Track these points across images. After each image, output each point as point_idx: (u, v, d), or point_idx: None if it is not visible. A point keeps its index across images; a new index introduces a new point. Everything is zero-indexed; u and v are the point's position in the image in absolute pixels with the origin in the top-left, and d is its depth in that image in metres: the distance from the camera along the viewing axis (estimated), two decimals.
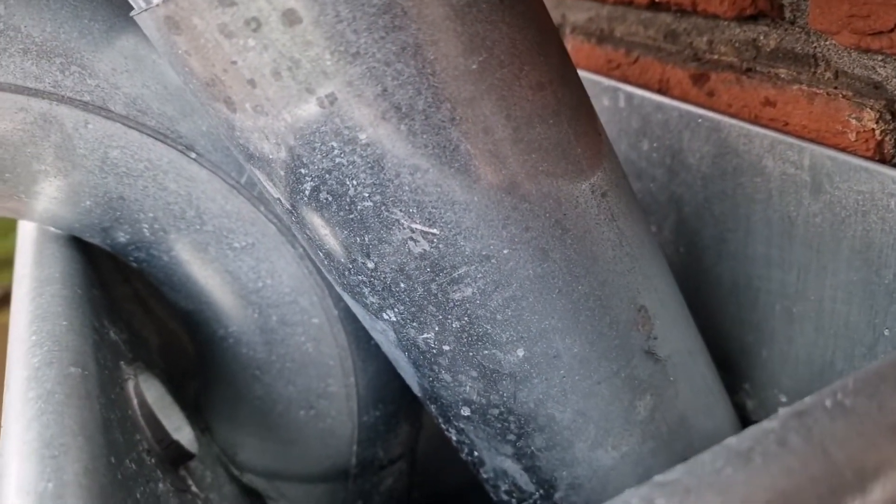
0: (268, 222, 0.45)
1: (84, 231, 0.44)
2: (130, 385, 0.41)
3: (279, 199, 0.37)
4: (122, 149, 0.40)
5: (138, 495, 0.33)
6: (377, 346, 0.51)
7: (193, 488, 0.44)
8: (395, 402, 0.53)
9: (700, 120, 0.49)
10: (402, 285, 0.37)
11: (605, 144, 0.40)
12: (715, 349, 0.51)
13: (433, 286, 0.36)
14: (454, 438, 0.45)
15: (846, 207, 0.41)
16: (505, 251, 0.36)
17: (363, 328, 0.50)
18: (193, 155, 0.42)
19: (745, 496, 0.24)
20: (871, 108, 0.40)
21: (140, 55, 0.40)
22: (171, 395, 0.49)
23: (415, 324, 0.38)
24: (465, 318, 0.37)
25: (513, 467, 0.43)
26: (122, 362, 0.42)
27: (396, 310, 0.38)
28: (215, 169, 0.42)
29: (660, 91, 0.54)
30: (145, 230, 0.43)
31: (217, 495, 0.48)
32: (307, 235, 0.38)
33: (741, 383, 0.53)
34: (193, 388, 0.59)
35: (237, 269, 0.45)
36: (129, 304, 0.59)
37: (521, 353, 0.38)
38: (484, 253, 0.35)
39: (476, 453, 0.44)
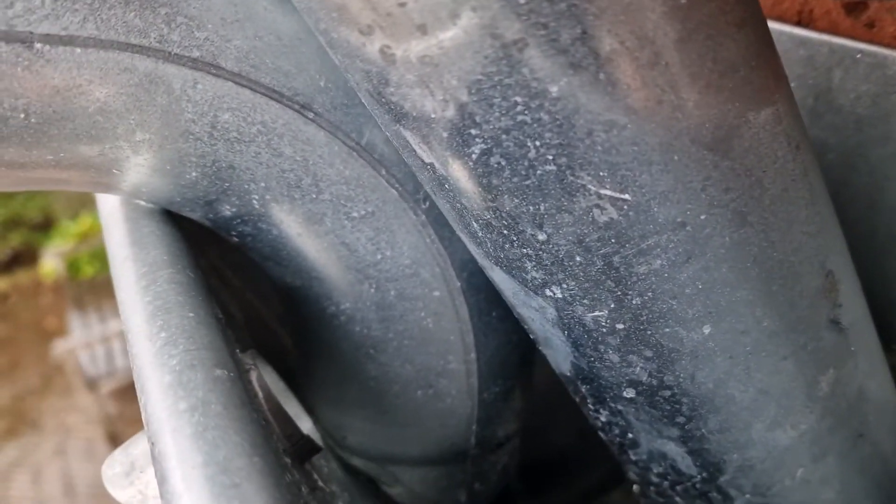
0: (389, 188, 0.40)
1: (185, 205, 0.39)
2: (254, 377, 0.37)
3: (431, 164, 0.32)
4: (234, 111, 0.35)
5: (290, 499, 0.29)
6: (499, 319, 0.46)
7: (320, 483, 0.41)
8: (513, 377, 0.49)
9: (859, 55, 0.43)
10: (577, 259, 0.32)
11: (789, 89, 0.34)
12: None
13: (616, 259, 0.31)
14: (604, 420, 0.41)
15: None
16: (702, 217, 0.31)
17: (486, 301, 0.45)
18: (311, 115, 0.37)
19: None
20: None
21: (250, 2, 0.35)
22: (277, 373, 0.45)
23: (586, 301, 0.33)
24: (649, 294, 0.32)
25: (675, 450, 0.39)
26: (238, 352, 0.38)
27: (565, 286, 0.33)
28: (334, 130, 0.37)
29: (799, 23, 0.48)
30: (255, 202, 0.38)
31: (338, 486, 0.44)
32: (462, 205, 0.33)
33: (890, 343, 0.48)
34: (282, 365, 0.55)
35: (354, 240, 0.41)
36: (211, 278, 0.54)
37: (706, 329, 0.34)
38: (679, 220, 0.30)
39: (630, 435, 0.40)
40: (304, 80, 0.36)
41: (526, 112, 0.28)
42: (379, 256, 0.42)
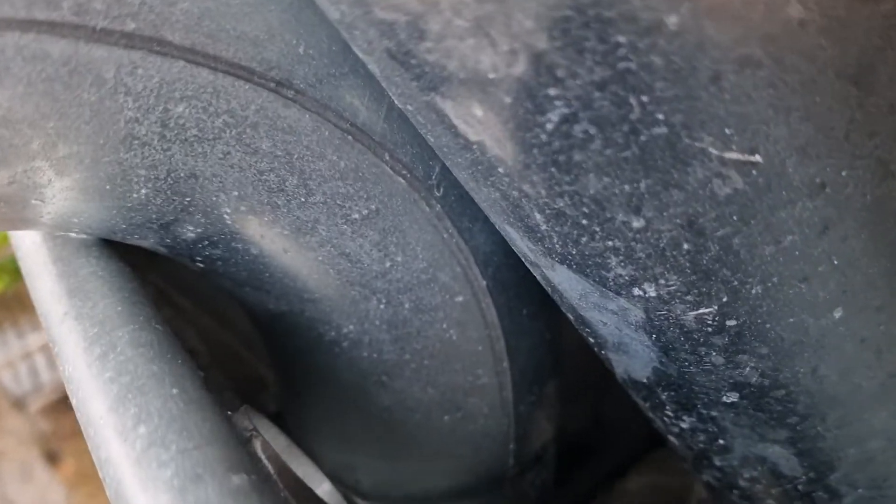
0: (395, 176, 0.31)
1: (132, 232, 0.30)
2: (259, 447, 0.28)
3: (480, 142, 0.23)
4: (190, 100, 0.26)
5: None
6: (530, 317, 0.39)
7: None
8: (550, 380, 0.42)
9: None
10: (685, 247, 0.24)
11: None
12: None
13: (736, 241, 0.24)
14: (684, 427, 0.34)
15: None
16: (843, 173, 0.23)
17: (516, 296, 0.37)
18: (291, 93, 0.28)
19: None
20: None
21: None
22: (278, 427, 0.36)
23: (689, 297, 0.26)
24: (774, 279, 0.25)
25: (780, 453, 0.33)
26: (229, 414, 0.29)
27: (662, 281, 0.26)
28: (322, 110, 0.29)
29: None
30: (226, 216, 0.29)
31: None
32: (520, 193, 0.24)
33: None
34: (266, 398, 0.46)
35: (357, 248, 0.32)
36: (162, 307, 0.45)
37: (838, 313, 0.27)
38: (818, 180, 0.23)
39: (721, 442, 0.33)
40: (277, 47, 0.27)
41: (632, 56, 0.20)
42: (388, 264, 0.33)
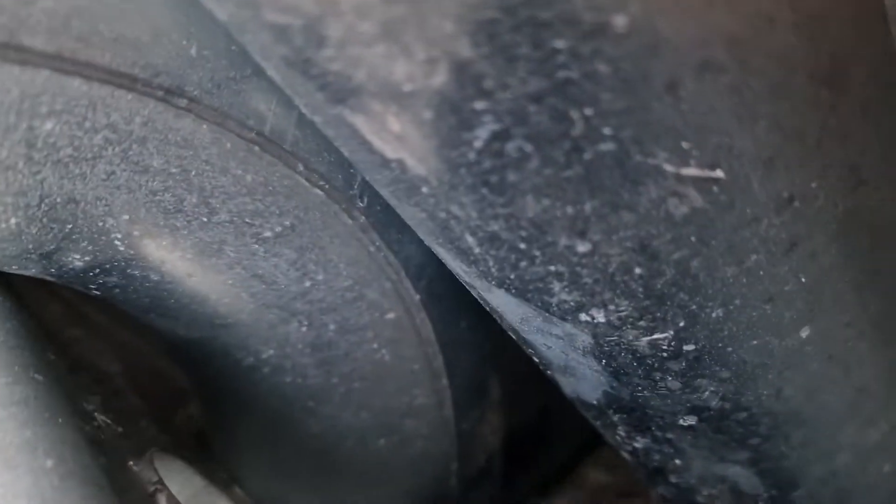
0: (311, 187, 0.28)
1: (7, 263, 0.26)
2: (162, 500, 0.25)
3: (399, 160, 0.20)
4: (60, 115, 0.22)
5: None
6: (469, 329, 0.36)
7: None
8: (492, 389, 0.39)
9: None
10: (636, 271, 0.21)
11: None
12: None
13: (694, 263, 0.21)
14: (638, 447, 0.32)
15: None
16: (813, 184, 0.21)
17: (452, 308, 0.35)
18: (184, 102, 0.24)
19: None
20: None
21: None
22: (189, 466, 0.33)
23: (642, 323, 0.23)
24: (736, 301, 0.23)
25: (740, 472, 0.31)
26: (130, 463, 0.26)
27: (612, 307, 0.23)
28: (221, 119, 0.25)
29: None
30: (118, 243, 0.26)
31: None
32: (449, 215, 0.21)
33: None
34: (188, 421, 0.43)
35: (271, 269, 0.29)
36: (68, 327, 0.41)
37: (804, 333, 0.24)
38: (785, 195, 0.21)
39: (678, 461, 0.31)
40: (164, 50, 0.23)
41: (572, 64, 0.16)
42: (308, 284, 0.30)
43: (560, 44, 0.16)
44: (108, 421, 0.29)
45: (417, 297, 0.33)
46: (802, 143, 0.20)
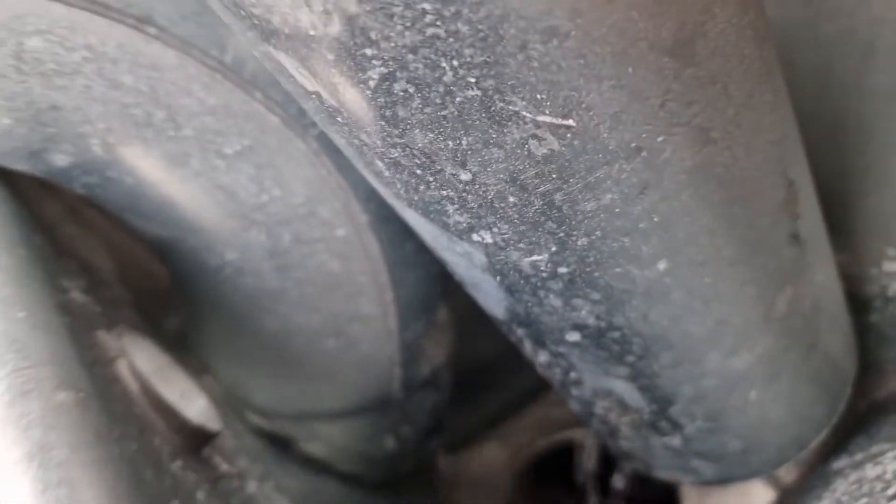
0: (268, 113, 0.32)
1: (3, 159, 0.30)
2: (123, 366, 0.30)
3: (316, 93, 0.24)
4: (45, 34, 0.26)
5: None
6: (415, 252, 0.40)
7: (223, 467, 0.35)
8: (437, 308, 0.44)
9: None
10: (511, 199, 0.26)
11: None
12: None
13: (558, 197, 0.26)
14: (543, 360, 0.36)
15: None
16: (660, 139, 0.25)
17: (398, 232, 0.39)
18: (153, 30, 0.28)
19: None
20: None
21: None
22: (157, 343, 0.38)
23: (522, 245, 0.28)
24: (597, 233, 0.27)
25: (623, 387, 0.35)
26: (100, 331, 0.31)
27: (496, 229, 0.27)
28: (187, 47, 0.29)
29: None
30: (95, 147, 0.30)
31: (247, 459, 0.39)
32: (361, 141, 0.26)
33: (834, 236, 0.45)
34: (172, 319, 0.48)
35: (232, 182, 0.33)
36: (67, 225, 0.46)
37: (662, 266, 0.29)
38: (633, 145, 0.25)
39: (573, 374, 0.36)
40: None
41: (438, 23, 0.21)
42: (265, 198, 0.34)
43: (427, 6, 0.20)
44: (88, 300, 0.34)
45: (365, 217, 0.37)
46: (646, 104, 0.24)
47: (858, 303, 0.45)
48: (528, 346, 0.36)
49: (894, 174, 0.41)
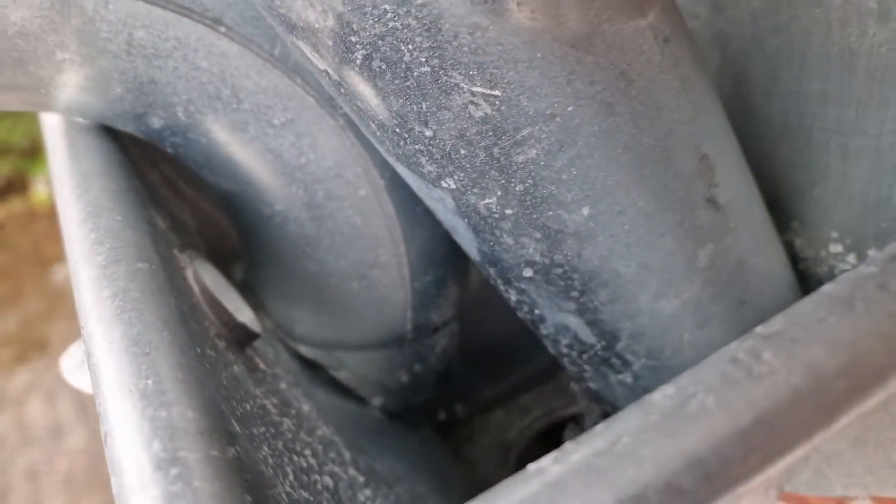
0: (306, 95, 0.43)
1: (116, 119, 0.42)
2: (189, 273, 0.41)
3: (326, 70, 0.35)
4: (148, 28, 0.38)
5: (224, 380, 0.33)
6: (424, 214, 0.50)
7: (262, 366, 0.45)
8: (444, 267, 0.53)
9: None
10: (462, 152, 0.35)
11: None
12: (764, 190, 0.50)
13: (495, 150, 0.35)
14: (514, 299, 0.45)
15: None
16: (570, 108, 0.34)
17: (410, 197, 0.49)
18: (223, 29, 0.39)
19: (850, 343, 0.23)
20: None
21: None
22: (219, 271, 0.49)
23: (476, 190, 0.37)
24: (529, 181, 0.36)
25: (575, 322, 0.44)
26: (174, 251, 0.42)
27: (456, 177, 0.37)
28: (247, 43, 0.40)
29: None
30: (180, 114, 0.42)
31: (282, 369, 0.49)
32: (358, 107, 0.36)
33: (789, 222, 0.52)
34: (239, 268, 0.59)
35: (278, 146, 0.44)
36: (163, 189, 0.58)
37: (585, 211, 0.37)
38: (548, 112, 0.34)
39: (537, 311, 0.45)
40: None
41: (396, 18, 0.31)
42: (303, 160, 0.45)
43: (387, 6, 0.30)
44: (168, 229, 0.45)
45: (382, 182, 0.48)
46: (554, 81, 0.33)
47: (813, 282, 0.52)
48: (501, 286, 0.45)
49: (831, 168, 0.48)
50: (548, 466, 0.22)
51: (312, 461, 0.40)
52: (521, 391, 0.75)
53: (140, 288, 0.31)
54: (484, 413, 0.74)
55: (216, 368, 0.33)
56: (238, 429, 0.29)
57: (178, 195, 0.61)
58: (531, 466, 0.22)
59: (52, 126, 0.46)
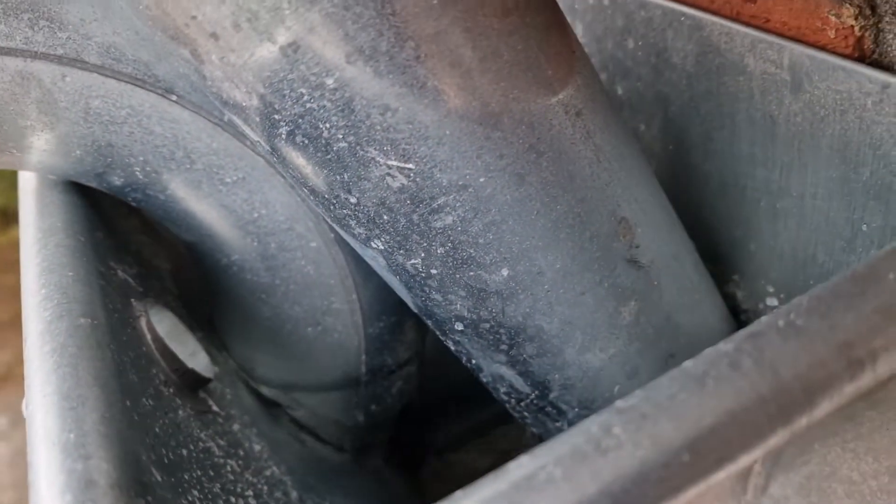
0: (255, 156, 0.46)
1: (80, 177, 0.45)
2: (142, 322, 0.44)
3: (258, 141, 0.38)
4: (103, 98, 0.41)
5: (157, 429, 0.36)
6: None
7: (214, 408, 0.48)
8: (397, 313, 0.56)
9: (683, 18, 0.48)
10: (385, 217, 0.38)
11: (579, 61, 0.40)
12: (705, 244, 0.52)
13: (415, 217, 0.37)
14: (452, 348, 0.48)
15: (825, 106, 0.41)
16: (481, 179, 0.36)
17: None
18: (174, 97, 0.42)
19: (696, 419, 0.25)
20: (850, 4, 0.39)
21: (107, 2, 0.40)
22: (185, 321, 0.52)
23: (402, 251, 0.40)
24: (449, 245, 0.38)
25: (508, 373, 0.46)
26: (132, 300, 0.45)
27: (383, 239, 0.39)
28: (197, 109, 0.43)
29: None
30: (138, 173, 0.45)
31: (238, 410, 0.51)
32: (290, 174, 0.39)
33: (731, 275, 0.54)
34: (207, 309, 0.62)
35: (231, 202, 0.47)
36: (137, 235, 0.61)
37: (505, 272, 0.40)
38: (460, 183, 0.36)
39: (474, 361, 0.47)
40: (164, 67, 0.42)
41: (311, 101, 0.33)
42: (255, 214, 0.48)
43: (303, 90, 0.33)
44: (129, 278, 0.48)
45: (332, 235, 0.50)
46: (465, 155, 0.35)
47: None
48: (440, 335, 0.47)
49: (763, 226, 0.50)
50: None
51: (253, 502, 0.42)
52: (490, 428, 0.77)
53: (78, 344, 0.34)
54: (454, 450, 0.76)
55: (151, 417, 0.36)
56: (160, 478, 0.32)
57: (156, 240, 0.64)
58: None
59: (25, 181, 0.49)
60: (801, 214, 0.46)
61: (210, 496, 0.37)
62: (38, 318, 0.36)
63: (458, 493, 0.25)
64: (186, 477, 0.35)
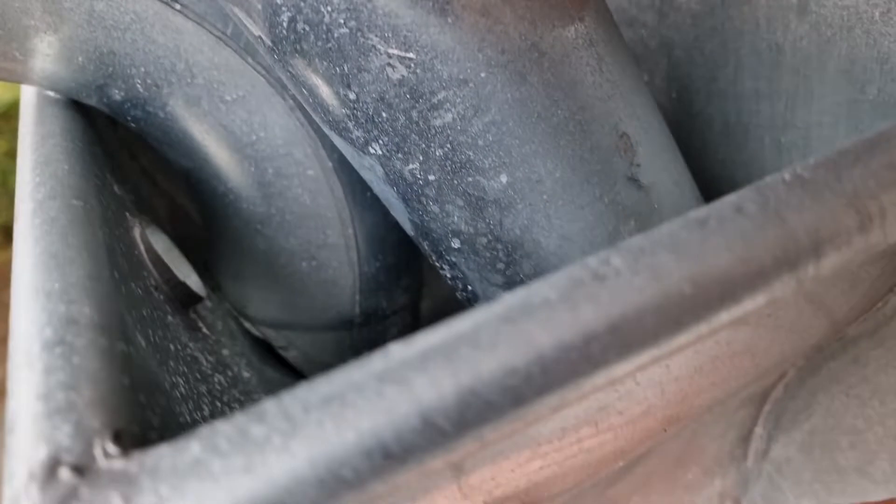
0: (256, 74, 0.46)
1: (81, 90, 0.45)
2: (136, 231, 0.43)
3: (261, 37, 0.38)
4: (107, 1, 0.41)
5: (145, 313, 0.35)
6: (373, 198, 0.52)
7: (205, 330, 0.47)
8: (394, 255, 0.55)
9: None
10: (383, 115, 0.38)
11: None
12: (709, 188, 0.52)
13: (414, 113, 0.37)
14: (448, 275, 0.47)
15: (832, 25, 0.41)
16: (482, 74, 0.36)
17: (359, 181, 0.51)
18: (178, 6, 0.42)
19: (698, 255, 0.25)
20: None
21: None
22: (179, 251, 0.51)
23: (399, 155, 0.39)
24: (448, 146, 0.38)
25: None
26: (126, 213, 0.44)
27: (381, 142, 0.39)
28: (200, 20, 0.43)
29: None
30: (139, 86, 0.44)
31: (229, 340, 0.51)
32: (290, 73, 0.39)
33: None
34: (202, 254, 0.62)
35: (230, 122, 0.47)
36: (137, 176, 0.61)
37: (504, 178, 0.39)
38: (461, 77, 0.36)
39: (470, 287, 0.46)
40: None
41: None
42: (254, 137, 0.48)
43: None
44: (124, 193, 0.48)
45: (330, 164, 0.50)
46: (467, 47, 0.35)
47: None
48: (436, 262, 0.47)
49: (767, 164, 0.50)
50: (394, 350, 0.23)
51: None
52: None
53: (69, 218, 0.33)
54: None
55: (140, 302, 0.35)
56: (143, 345, 0.31)
57: (155, 186, 0.64)
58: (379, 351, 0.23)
59: (26, 100, 0.49)
60: (807, 147, 0.46)
61: (195, 393, 0.36)
62: (30, 198, 0.35)
63: (457, 317, 0.24)
64: (172, 364, 0.35)
